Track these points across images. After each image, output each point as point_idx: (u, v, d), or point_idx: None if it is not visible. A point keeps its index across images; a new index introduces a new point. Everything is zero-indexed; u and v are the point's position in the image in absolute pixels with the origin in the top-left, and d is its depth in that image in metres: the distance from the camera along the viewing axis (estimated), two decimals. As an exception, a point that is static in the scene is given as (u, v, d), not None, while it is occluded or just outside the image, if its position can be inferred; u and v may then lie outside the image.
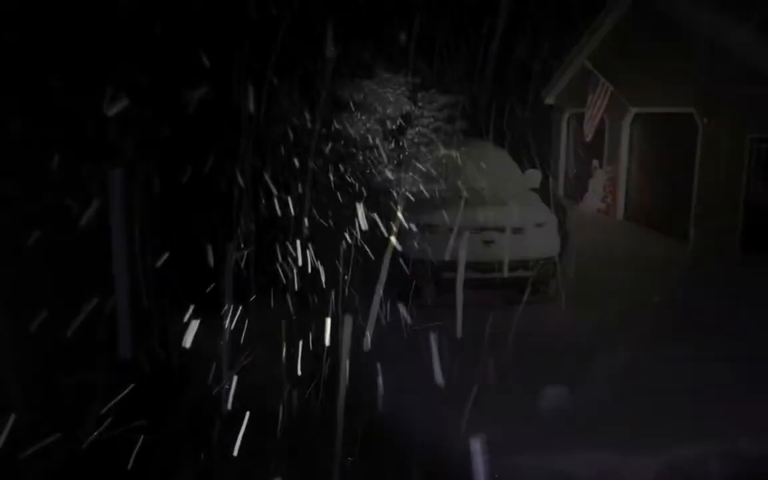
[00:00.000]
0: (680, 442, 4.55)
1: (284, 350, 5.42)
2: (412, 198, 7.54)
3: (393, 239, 6.19)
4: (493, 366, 5.14)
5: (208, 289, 5.76)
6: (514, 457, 4.34)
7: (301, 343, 5.50)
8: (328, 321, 5.40)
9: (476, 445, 3.77)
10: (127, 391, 4.83)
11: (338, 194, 7.04)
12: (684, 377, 5.50)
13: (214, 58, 6.76)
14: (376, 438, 4.60)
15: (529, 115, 15.79)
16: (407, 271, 6.94)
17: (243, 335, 5.48)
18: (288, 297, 6.04)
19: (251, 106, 6.77)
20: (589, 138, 13.90)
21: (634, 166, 13.50)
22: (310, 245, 6.50)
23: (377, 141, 7.70)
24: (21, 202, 5.60)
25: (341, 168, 7.26)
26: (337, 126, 7.53)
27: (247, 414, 4.55)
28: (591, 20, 13.77)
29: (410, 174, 7.87)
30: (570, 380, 5.38)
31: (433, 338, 5.16)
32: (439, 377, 5.00)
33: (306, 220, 6.73)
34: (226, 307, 5.54)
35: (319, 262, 6.39)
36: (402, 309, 6.25)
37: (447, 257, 6.75)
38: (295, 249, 6.39)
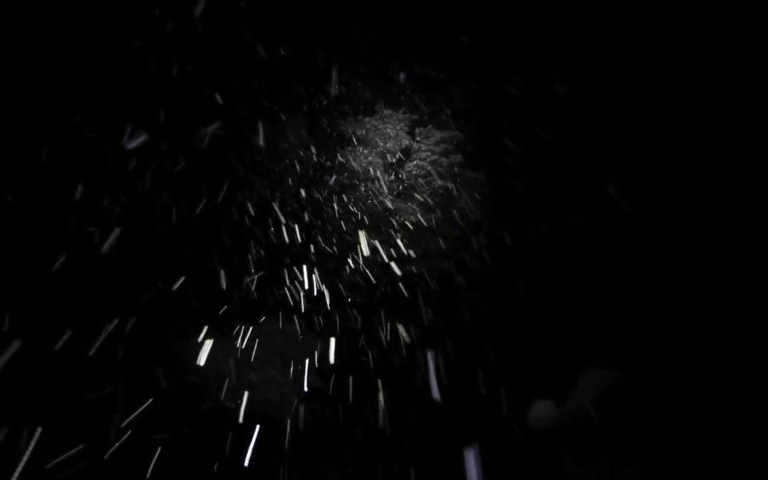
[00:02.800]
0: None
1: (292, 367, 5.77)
2: (410, 227, 7.91)
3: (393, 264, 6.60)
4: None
5: (221, 311, 6.14)
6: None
7: (307, 361, 5.85)
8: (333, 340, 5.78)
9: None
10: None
11: (342, 223, 7.46)
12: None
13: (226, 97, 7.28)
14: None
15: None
16: None
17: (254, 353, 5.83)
18: (296, 318, 6.39)
19: (261, 141, 7.24)
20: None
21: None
22: (315, 270, 6.88)
23: (378, 173, 8.13)
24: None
25: (345, 198, 7.70)
26: (340, 159, 7.99)
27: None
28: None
29: (409, 204, 8.26)
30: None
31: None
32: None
33: (312, 247, 7.13)
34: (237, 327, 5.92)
35: (324, 286, 6.76)
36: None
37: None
38: (302, 273, 6.77)
